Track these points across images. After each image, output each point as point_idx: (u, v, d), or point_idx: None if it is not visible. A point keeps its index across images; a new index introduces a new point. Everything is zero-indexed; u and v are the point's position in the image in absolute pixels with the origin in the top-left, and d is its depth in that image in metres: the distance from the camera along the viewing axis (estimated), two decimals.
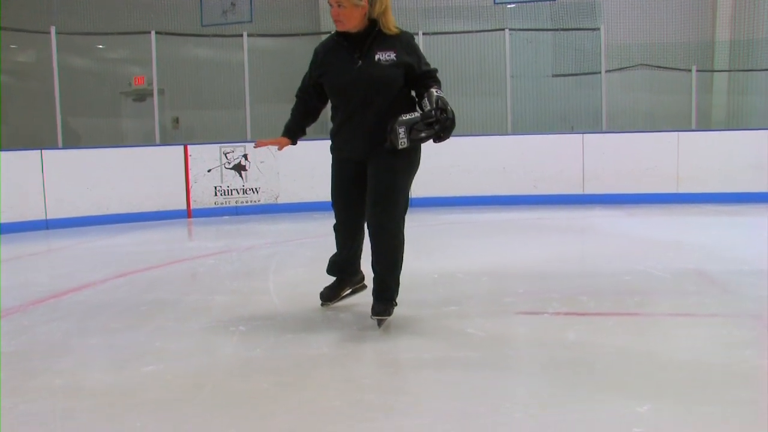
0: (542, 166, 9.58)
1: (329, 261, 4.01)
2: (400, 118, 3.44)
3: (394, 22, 3.57)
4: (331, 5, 3.51)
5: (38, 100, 10.24)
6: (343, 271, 4.01)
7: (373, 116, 3.52)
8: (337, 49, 3.61)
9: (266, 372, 3.08)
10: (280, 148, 3.86)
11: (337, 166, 3.75)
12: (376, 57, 3.52)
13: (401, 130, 3.42)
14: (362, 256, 3.96)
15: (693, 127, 10.02)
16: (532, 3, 11.41)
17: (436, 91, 3.52)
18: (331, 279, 4.07)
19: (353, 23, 3.51)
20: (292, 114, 3.85)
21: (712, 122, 11.35)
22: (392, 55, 3.52)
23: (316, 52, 3.72)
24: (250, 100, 9.88)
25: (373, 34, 3.53)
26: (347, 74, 3.55)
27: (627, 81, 11.24)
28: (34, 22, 10.70)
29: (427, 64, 3.63)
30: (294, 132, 3.83)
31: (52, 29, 8.95)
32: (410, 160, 3.61)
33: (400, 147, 3.44)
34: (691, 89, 10.14)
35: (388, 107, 3.50)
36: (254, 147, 3.99)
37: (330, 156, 3.81)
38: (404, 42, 3.58)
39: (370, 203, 3.57)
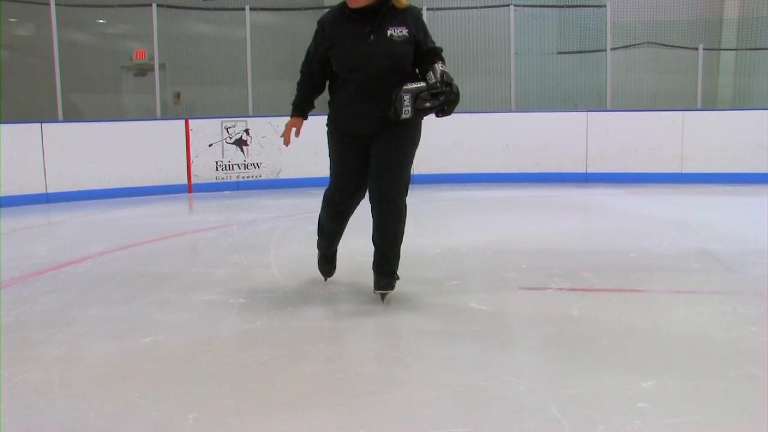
0: (546, 144, 9.50)
1: (319, 262, 4.00)
2: (405, 86, 3.39)
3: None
4: None
5: (38, 75, 10.15)
6: (334, 264, 4.01)
7: (385, 92, 3.44)
8: (346, 22, 3.51)
9: (266, 344, 3.06)
10: (298, 133, 3.76)
11: (341, 144, 3.65)
12: (389, 32, 3.45)
13: (407, 98, 3.37)
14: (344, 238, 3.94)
15: (698, 107, 9.93)
16: None
17: (441, 66, 3.48)
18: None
19: None
20: (298, 90, 3.74)
21: (718, 102, 11.25)
22: (404, 31, 3.46)
23: (322, 25, 3.59)
24: (252, 75, 9.79)
25: (385, 8, 3.46)
26: (360, 49, 3.46)
27: (632, 59, 11.12)
28: None
29: (433, 42, 3.58)
30: (304, 108, 3.75)
31: (52, 2, 8.83)
32: (413, 134, 3.57)
33: (404, 116, 3.38)
34: (697, 68, 10.02)
35: (398, 83, 3.43)
36: (287, 145, 3.83)
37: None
38: (414, 17, 3.52)
39: (375, 176, 3.52)
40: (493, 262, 4.65)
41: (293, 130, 3.76)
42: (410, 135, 3.56)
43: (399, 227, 3.57)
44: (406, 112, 3.39)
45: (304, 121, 3.79)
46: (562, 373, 2.66)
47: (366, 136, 3.56)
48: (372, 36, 3.45)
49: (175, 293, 3.95)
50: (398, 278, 3.63)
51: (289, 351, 2.96)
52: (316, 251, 4.03)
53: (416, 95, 3.38)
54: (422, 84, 3.42)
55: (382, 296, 3.58)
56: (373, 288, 3.62)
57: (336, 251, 4.00)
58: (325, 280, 4.03)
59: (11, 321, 3.45)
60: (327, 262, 4.00)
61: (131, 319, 3.47)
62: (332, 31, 3.54)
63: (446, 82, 3.41)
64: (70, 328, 3.34)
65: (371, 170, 3.54)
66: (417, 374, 2.71)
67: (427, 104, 3.39)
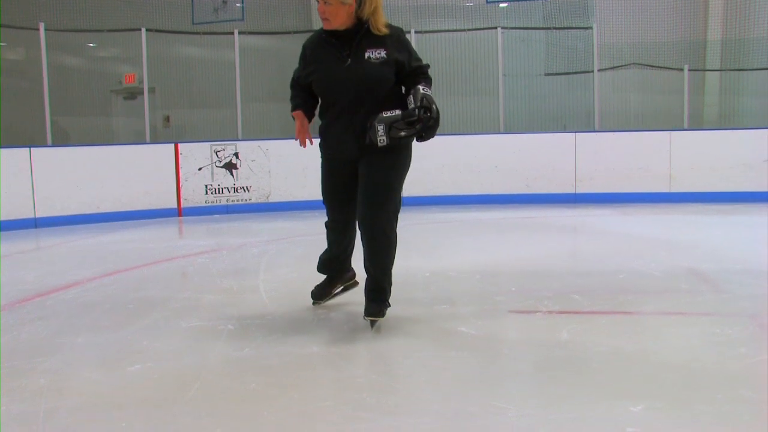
0: (534, 165, 9.55)
1: (320, 259, 3.97)
2: (379, 115, 3.37)
3: (384, 22, 3.49)
4: (317, 1, 3.45)
5: (27, 99, 10.15)
6: (333, 268, 3.96)
7: (364, 115, 3.44)
8: (324, 46, 3.53)
9: (255, 372, 3.03)
10: (307, 136, 3.69)
11: (328, 165, 3.69)
12: (366, 55, 3.44)
13: (380, 128, 3.35)
14: (354, 254, 3.92)
15: (685, 127, 10.02)
16: (525, 2, 11.38)
17: (423, 89, 3.44)
18: (322, 277, 4.02)
19: (339, 21, 3.43)
20: (294, 97, 3.69)
21: (704, 121, 11.36)
22: (383, 53, 3.45)
23: (304, 48, 3.65)
24: (242, 98, 9.82)
25: (361, 32, 3.46)
26: (336, 74, 3.48)
27: (619, 80, 11.24)
28: (23, 19, 10.60)
29: (418, 60, 3.56)
30: (304, 101, 3.65)
31: (41, 26, 8.87)
32: (402, 158, 3.55)
33: (380, 145, 3.37)
34: (683, 88, 10.14)
35: (379, 106, 3.42)
36: (303, 146, 3.75)
37: (319, 154, 3.75)
38: (394, 38, 3.50)
39: (362, 202, 3.51)
40: (482, 285, 4.65)
41: (303, 123, 3.65)
42: (397, 159, 3.54)
43: (388, 255, 3.55)
44: (382, 141, 3.37)
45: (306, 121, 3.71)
46: (552, 398, 2.65)
47: (353, 159, 3.57)
48: (349, 60, 3.46)
49: (164, 319, 3.92)
50: (389, 305, 3.61)
51: (277, 379, 2.94)
52: (305, 276, 4.01)
53: (390, 125, 3.35)
54: (397, 113, 3.38)
55: (372, 323, 3.56)
56: (363, 314, 3.60)
57: (339, 259, 3.90)
58: (314, 302, 4.02)
59: None
60: (322, 264, 3.96)
61: (119, 346, 3.44)
62: (312, 55, 3.59)
63: (425, 107, 3.37)
64: (56, 356, 3.31)
65: (358, 196, 3.54)
66: (406, 401, 2.70)
67: (402, 133, 3.36)
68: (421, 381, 2.91)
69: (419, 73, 3.54)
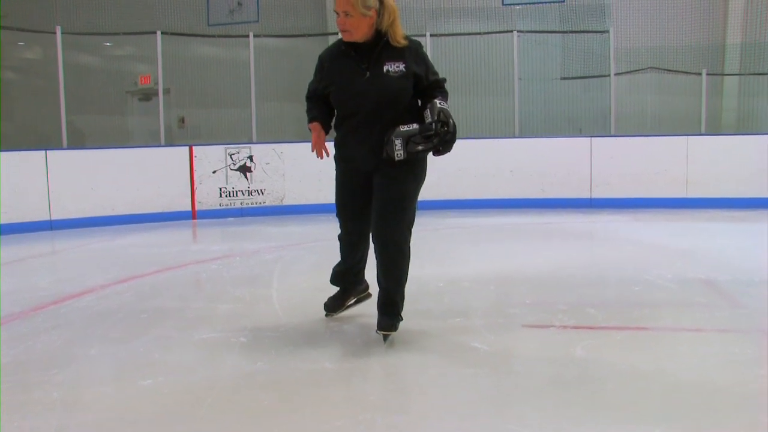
0: (550, 169, 9.49)
1: (333, 271, 3.95)
2: (397, 129, 3.36)
3: (402, 34, 3.48)
4: (337, 14, 3.43)
5: (44, 97, 10.23)
6: (347, 281, 3.95)
7: (381, 129, 3.42)
8: (343, 59, 3.52)
9: (267, 387, 3.02)
10: (324, 148, 3.62)
11: (342, 176, 3.67)
12: (385, 68, 3.42)
13: (398, 142, 3.34)
14: (367, 266, 3.90)
15: (702, 131, 9.92)
16: (541, 5, 11.31)
17: (440, 103, 3.42)
18: (335, 287, 4.01)
19: (361, 33, 3.42)
20: (310, 109, 3.65)
21: (722, 126, 11.24)
22: (401, 66, 3.44)
23: (321, 60, 3.62)
24: (256, 99, 9.82)
25: (381, 44, 3.45)
26: (355, 86, 3.46)
27: (636, 84, 11.14)
28: (40, 21, 10.68)
29: (435, 74, 3.53)
30: (321, 112, 3.60)
31: (58, 29, 8.91)
32: (417, 171, 3.53)
33: (397, 159, 3.36)
34: (701, 93, 10.02)
35: (396, 119, 3.40)
36: (320, 158, 3.66)
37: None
38: (413, 51, 3.48)
39: (377, 216, 3.49)
40: (496, 296, 4.62)
41: (319, 135, 3.60)
42: (412, 172, 3.51)
43: (402, 269, 3.53)
44: (399, 155, 3.35)
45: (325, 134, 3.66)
46: (567, 421, 2.61)
47: (365, 171, 3.55)
48: (368, 72, 3.44)
49: (176, 330, 3.92)
50: (402, 319, 3.59)
51: (289, 395, 2.93)
52: (318, 285, 4.00)
53: (407, 139, 3.34)
54: (414, 127, 3.37)
55: (385, 337, 3.54)
56: (376, 327, 3.58)
57: (352, 272, 3.89)
58: (327, 314, 4.00)
59: (10, 360, 3.42)
60: (335, 276, 3.95)
61: (132, 359, 3.44)
62: (331, 67, 3.57)
63: (442, 121, 3.36)
64: (69, 368, 3.31)
65: (372, 210, 3.52)
66: (417, 421, 2.67)
67: (420, 147, 3.35)
68: (433, 401, 2.89)
69: (436, 87, 3.52)
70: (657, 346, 3.55)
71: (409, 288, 3.66)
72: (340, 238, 3.81)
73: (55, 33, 8.87)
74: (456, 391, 2.96)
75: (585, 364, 3.23)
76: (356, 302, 4.04)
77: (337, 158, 3.67)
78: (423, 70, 3.48)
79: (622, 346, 3.53)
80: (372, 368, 3.28)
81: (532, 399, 2.88)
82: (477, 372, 3.16)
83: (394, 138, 3.34)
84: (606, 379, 3.04)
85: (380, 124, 3.42)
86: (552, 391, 2.96)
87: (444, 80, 3.55)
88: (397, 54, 3.45)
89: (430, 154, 3.49)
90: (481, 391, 2.94)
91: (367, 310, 3.94)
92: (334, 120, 3.66)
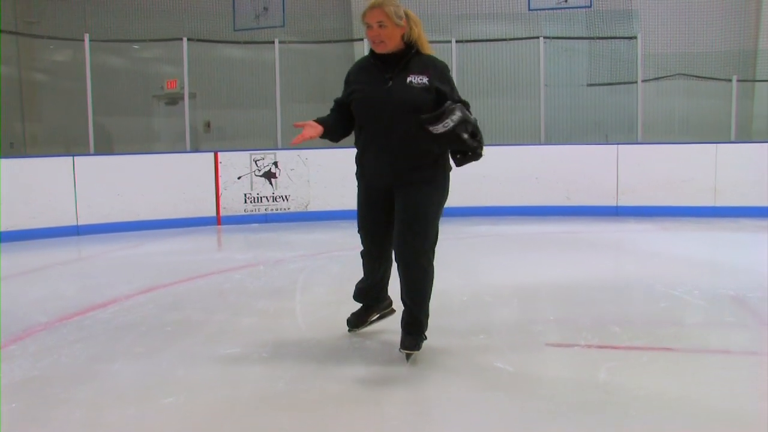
0: (576, 176, 9.41)
1: (356, 287, 3.94)
2: (462, 108, 3.32)
3: (428, 46, 3.54)
4: (370, 26, 3.43)
5: (72, 99, 10.33)
6: (370, 297, 3.94)
7: (398, 140, 3.42)
8: (369, 68, 3.56)
9: (288, 408, 3.02)
10: (305, 133, 3.48)
11: (364, 193, 3.67)
12: (408, 79, 3.44)
13: (456, 115, 3.27)
14: (392, 279, 3.88)
15: (732, 139, 9.76)
16: (567, 10, 11.21)
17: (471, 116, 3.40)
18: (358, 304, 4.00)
19: (394, 43, 3.45)
20: (327, 115, 3.66)
21: (753, 133, 11.05)
22: (425, 79, 3.44)
23: (349, 73, 3.66)
24: (281, 103, 9.84)
25: (409, 55, 3.47)
26: (376, 94, 3.47)
27: (664, 91, 10.99)
28: (69, 28, 10.80)
29: (460, 97, 3.50)
30: (327, 124, 3.54)
31: (86, 36, 9.01)
32: (440, 190, 3.51)
33: (438, 129, 3.27)
34: (730, 99, 9.86)
35: (414, 133, 3.38)
36: (290, 144, 3.58)
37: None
38: (439, 69, 3.49)
39: (399, 234, 3.47)
40: (520, 312, 4.58)
41: (315, 127, 3.51)
42: (435, 191, 3.49)
43: (425, 289, 3.51)
44: (446, 125, 3.28)
45: (321, 136, 3.57)
46: None
47: (388, 187, 3.53)
48: (391, 82, 3.45)
49: (199, 345, 3.94)
50: (425, 338, 3.57)
51: (310, 417, 2.92)
52: (341, 298, 4.00)
53: (464, 121, 3.29)
54: (473, 118, 3.36)
55: (407, 356, 3.52)
56: (399, 346, 3.56)
57: (375, 288, 3.88)
58: (350, 330, 3.99)
59: (37, 374, 3.47)
60: (358, 293, 3.95)
61: (154, 375, 3.46)
62: (356, 78, 3.61)
63: (474, 132, 3.35)
64: (93, 384, 3.34)
65: (395, 228, 3.50)
66: None
67: (465, 135, 3.30)
68: (455, 425, 2.86)
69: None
70: (683, 369, 3.49)
71: (432, 302, 3.63)
72: (362, 254, 3.80)
73: (83, 40, 8.96)
74: (478, 415, 2.93)
75: (608, 388, 3.18)
76: (379, 318, 4.03)
77: (357, 175, 3.68)
78: (447, 89, 3.47)
79: (646, 368, 3.47)
80: (394, 390, 3.26)
81: (554, 425, 2.85)
82: (499, 396, 3.13)
83: (457, 110, 3.28)
84: (629, 405, 2.99)
85: (397, 136, 3.42)
86: (574, 416, 2.92)
87: (468, 104, 3.50)
88: (422, 67, 3.47)
89: (454, 166, 3.50)
90: (503, 416, 2.91)
91: (390, 326, 3.93)
92: (354, 131, 3.66)
